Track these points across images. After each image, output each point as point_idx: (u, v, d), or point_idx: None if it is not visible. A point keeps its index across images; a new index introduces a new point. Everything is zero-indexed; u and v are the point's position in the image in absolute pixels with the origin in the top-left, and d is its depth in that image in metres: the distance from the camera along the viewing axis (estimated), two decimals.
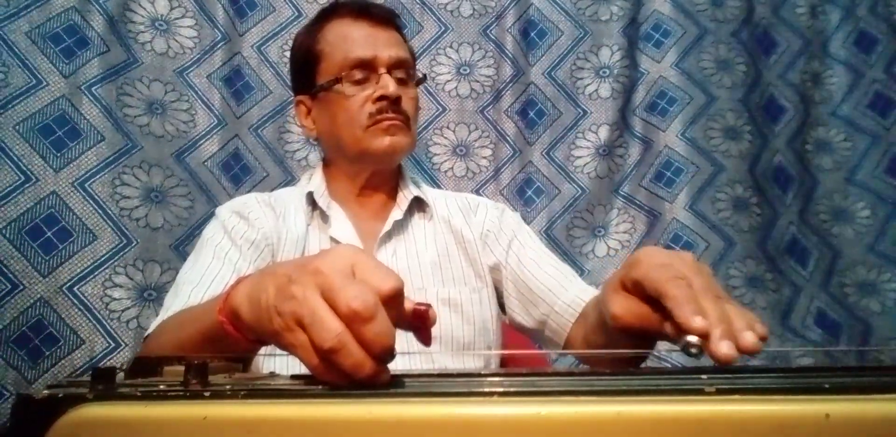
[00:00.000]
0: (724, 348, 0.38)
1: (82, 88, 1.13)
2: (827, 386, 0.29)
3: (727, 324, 0.40)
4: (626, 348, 0.53)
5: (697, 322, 0.40)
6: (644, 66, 1.50)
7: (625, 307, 0.47)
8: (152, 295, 1.10)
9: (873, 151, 1.54)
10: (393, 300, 0.35)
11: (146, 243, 1.11)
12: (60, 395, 0.30)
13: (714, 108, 1.47)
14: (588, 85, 1.47)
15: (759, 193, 1.45)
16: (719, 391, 0.28)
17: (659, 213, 1.41)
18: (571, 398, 0.28)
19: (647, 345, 0.50)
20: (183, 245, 1.15)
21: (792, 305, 1.41)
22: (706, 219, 1.40)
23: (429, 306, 0.38)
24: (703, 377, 0.33)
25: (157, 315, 1.08)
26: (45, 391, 0.30)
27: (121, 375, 0.35)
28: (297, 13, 1.37)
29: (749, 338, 0.39)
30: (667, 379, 0.33)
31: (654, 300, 0.45)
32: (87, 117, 1.12)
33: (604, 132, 1.45)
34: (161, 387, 0.32)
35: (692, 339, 0.39)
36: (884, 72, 1.57)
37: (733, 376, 0.34)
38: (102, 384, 0.32)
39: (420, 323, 0.39)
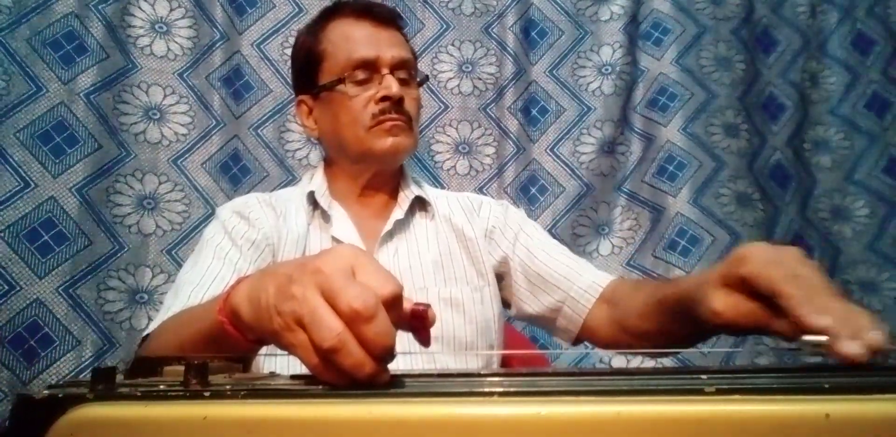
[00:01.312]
0: (854, 347, 0.37)
1: (80, 95, 1.15)
2: (827, 386, 0.29)
3: (852, 323, 0.39)
4: (688, 336, 0.55)
5: (823, 322, 0.39)
6: (644, 63, 1.50)
7: (728, 304, 0.47)
8: (143, 298, 1.12)
9: (871, 150, 1.54)
10: (392, 304, 0.35)
11: (137, 248, 1.14)
12: (60, 395, 0.30)
13: (714, 104, 1.47)
14: (591, 82, 1.47)
15: (760, 190, 1.45)
16: (719, 391, 0.28)
17: (663, 208, 1.41)
18: (571, 398, 0.28)
19: (693, 339, 0.51)
20: (176, 249, 1.16)
21: None
22: (711, 213, 1.40)
23: (428, 306, 0.38)
24: (703, 377, 0.33)
25: (148, 317, 1.10)
26: (45, 391, 0.30)
27: (121, 375, 0.35)
28: (297, 9, 1.36)
29: (877, 336, 0.38)
30: (667, 379, 0.33)
31: (762, 298, 0.44)
32: (85, 125, 1.14)
33: (608, 129, 1.45)
34: (161, 387, 0.32)
35: (815, 338, 0.38)
36: (881, 73, 1.58)
37: (733, 376, 0.34)
38: (102, 384, 0.32)
39: (419, 324, 0.39)
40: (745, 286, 0.45)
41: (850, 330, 0.38)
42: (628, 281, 0.82)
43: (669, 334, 0.63)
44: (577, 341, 0.82)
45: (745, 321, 0.46)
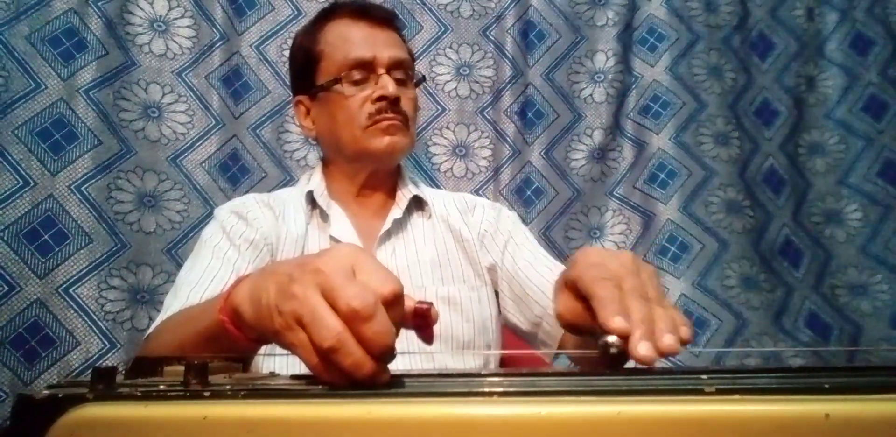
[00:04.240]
0: (642, 349, 0.38)
1: (80, 91, 1.13)
2: (827, 386, 0.29)
3: (648, 325, 0.40)
4: (580, 346, 0.52)
5: (617, 323, 0.40)
6: (638, 69, 1.51)
7: (566, 306, 0.47)
8: (145, 297, 1.11)
9: (866, 154, 1.55)
10: (393, 303, 0.35)
11: (139, 246, 1.12)
12: (60, 395, 0.30)
13: (704, 114, 1.48)
14: (584, 89, 1.48)
15: (750, 197, 1.46)
16: (719, 391, 0.28)
17: (653, 214, 1.42)
18: (571, 398, 0.28)
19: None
20: (176, 249, 1.15)
21: (785, 306, 1.42)
22: (700, 221, 1.41)
23: (430, 304, 0.38)
24: (703, 377, 0.33)
25: (149, 317, 1.09)
26: (45, 391, 0.30)
27: (121, 375, 0.35)
28: (296, 12, 1.36)
29: (668, 340, 0.39)
30: (667, 379, 0.33)
31: (586, 299, 0.45)
32: (84, 121, 1.13)
33: (598, 136, 1.46)
34: (161, 387, 0.32)
35: (612, 339, 0.39)
36: (879, 74, 1.58)
37: (733, 376, 0.34)
38: (102, 383, 0.31)
39: (422, 322, 0.39)
40: (574, 288, 0.46)
41: (645, 332, 0.39)
42: None
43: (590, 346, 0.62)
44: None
45: (580, 322, 0.46)
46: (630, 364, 0.41)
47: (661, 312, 0.41)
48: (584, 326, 0.46)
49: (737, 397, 0.28)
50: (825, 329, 1.42)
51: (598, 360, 0.54)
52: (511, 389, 0.30)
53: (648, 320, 0.40)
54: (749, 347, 1.33)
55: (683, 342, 0.40)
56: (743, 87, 1.54)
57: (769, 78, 1.57)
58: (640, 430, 0.27)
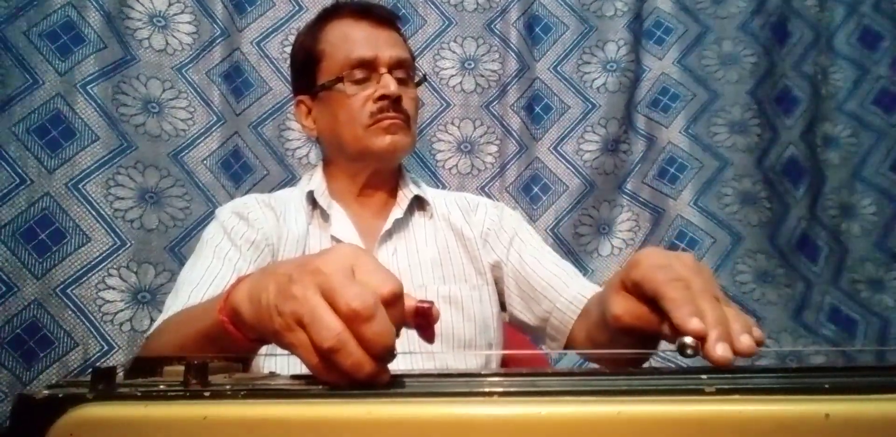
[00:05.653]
0: (720, 350, 0.38)
1: (78, 86, 1.12)
2: (827, 386, 0.29)
3: (724, 326, 0.40)
4: (626, 347, 0.53)
5: (694, 324, 0.40)
6: (646, 62, 1.49)
7: (625, 308, 0.47)
8: (146, 297, 1.09)
9: (878, 147, 1.54)
10: (392, 302, 0.35)
11: (140, 244, 1.10)
12: (60, 395, 0.30)
13: (718, 103, 1.47)
14: (596, 79, 1.46)
15: (768, 187, 1.44)
16: (719, 391, 0.28)
17: (663, 210, 1.41)
18: (571, 398, 0.28)
19: (647, 345, 0.50)
20: (178, 247, 1.14)
21: (805, 300, 1.40)
22: (712, 215, 1.40)
23: (431, 303, 0.39)
24: (703, 376, 0.33)
25: (150, 318, 1.08)
26: (45, 391, 0.30)
27: (120, 375, 0.35)
28: (297, 8, 1.36)
29: (745, 341, 0.39)
30: (667, 379, 0.33)
31: (653, 301, 0.45)
32: (82, 116, 1.11)
33: (612, 126, 1.44)
34: (161, 387, 0.32)
35: (688, 340, 0.39)
36: (889, 68, 1.57)
37: (733, 376, 0.34)
38: (102, 383, 0.32)
39: (423, 321, 0.39)
40: (637, 290, 0.46)
41: (721, 333, 0.39)
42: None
43: (619, 344, 0.62)
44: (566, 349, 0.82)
45: (641, 324, 0.47)
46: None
47: (733, 312, 0.42)
48: (645, 328, 0.46)
49: (737, 397, 0.28)
50: (850, 324, 1.40)
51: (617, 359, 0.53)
52: (511, 389, 0.30)
53: (723, 321, 0.40)
54: (765, 347, 1.32)
55: (758, 343, 0.40)
56: (765, 71, 1.51)
57: (788, 64, 1.55)
58: (640, 430, 0.27)
